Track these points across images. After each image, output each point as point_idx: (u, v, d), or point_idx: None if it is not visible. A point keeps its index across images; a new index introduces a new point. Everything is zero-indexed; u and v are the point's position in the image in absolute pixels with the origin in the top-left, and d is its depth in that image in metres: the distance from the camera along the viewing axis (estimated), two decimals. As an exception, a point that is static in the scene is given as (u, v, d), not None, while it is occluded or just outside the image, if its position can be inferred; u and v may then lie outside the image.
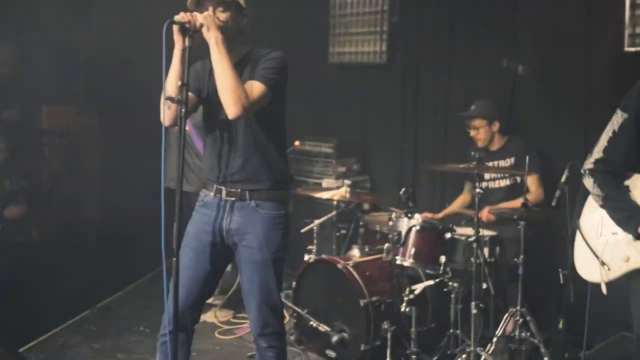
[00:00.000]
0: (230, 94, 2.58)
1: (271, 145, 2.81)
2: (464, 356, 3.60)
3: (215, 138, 2.83)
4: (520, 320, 3.75)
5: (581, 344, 3.83)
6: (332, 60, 5.74)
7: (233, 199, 2.78)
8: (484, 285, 3.79)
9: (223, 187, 2.79)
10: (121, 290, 4.98)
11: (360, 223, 4.39)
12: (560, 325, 3.68)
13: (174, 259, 2.50)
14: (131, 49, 4.87)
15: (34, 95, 5.64)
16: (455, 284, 3.76)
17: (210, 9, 2.66)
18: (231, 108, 2.59)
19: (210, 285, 2.91)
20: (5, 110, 5.32)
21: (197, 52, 2.64)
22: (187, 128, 4.29)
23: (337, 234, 4.57)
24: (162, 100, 2.59)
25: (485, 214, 4.15)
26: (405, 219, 3.87)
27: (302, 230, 4.46)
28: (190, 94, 2.66)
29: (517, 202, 3.98)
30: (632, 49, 3.98)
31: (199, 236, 2.83)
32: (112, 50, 5.15)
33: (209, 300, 4.54)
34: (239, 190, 2.78)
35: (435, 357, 3.80)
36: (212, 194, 2.83)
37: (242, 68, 2.72)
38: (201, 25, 2.56)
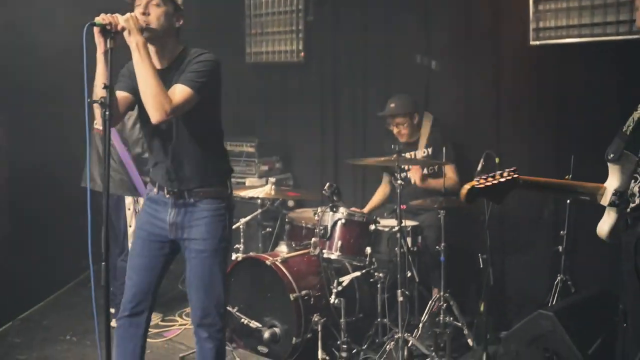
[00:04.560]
0: (152, 99, 2.60)
1: (206, 145, 2.89)
2: (392, 343, 3.72)
3: (152, 139, 2.91)
4: (444, 305, 3.92)
5: (501, 325, 4.09)
6: (249, 60, 5.76)
7: (173, 197, 2.89)
8: (409, 274, 3.93)
9: (164, 186, 2.91)
10: (43, 300, 4.83)
11: (286, 220, 4.43)
12: (482, 308, 3.86)
13: (103, 263, 2.47)
14: (47, 50, 4.70)
15: None
16: (381, 274, 3.88)
17: (142, 5, 2.66)
18: (153, 113, 2.62)
19: (160, 270, 3.00)
20: None
21: (127, 53, 2.63)
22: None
23: (263, 232, 4.60)
24: (86, 104, 2.55)
25: (416, 170, 4.33)
26: (331, 213, 3.96)
27: (228, 230, 4.46)
28: (125, 93, 2.73)
29: (441, 181, 4.20)
30: (537, 42, 4.23)
31: (145, 227, 2.98)
32: (26, 52, 4.96)
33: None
34: (177, 190, 2.89)
35: (365, 346, 3.91)
36: (155, 189, 2.96)
37: (174, 69, 2.76)
38: (123, 28, 2.54)
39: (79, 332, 4.28)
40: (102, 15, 2.51)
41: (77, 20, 2.62)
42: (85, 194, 2.54)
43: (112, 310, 4.41)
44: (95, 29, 2.50)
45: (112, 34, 2.51)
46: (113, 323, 4.38)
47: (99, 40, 2.54)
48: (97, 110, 2.57)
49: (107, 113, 2.48)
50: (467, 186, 2.36)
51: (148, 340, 4.09)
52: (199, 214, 2.88)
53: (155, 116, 2.62)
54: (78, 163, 4.20)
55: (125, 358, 3.00)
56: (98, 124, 2.65)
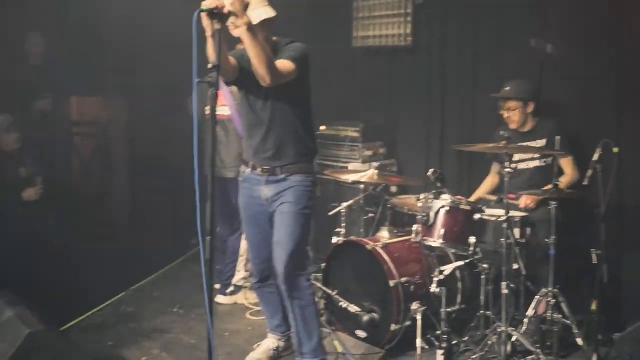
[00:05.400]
0: (264, 64, 2.90)
1: (298, 123, 3.26)
2: (495, 337, 3.60)
3: (249, 120, 3.28)
4: (553, 301, 3.73)
5: (615, 326, 3.84)
6: (356, 44, 5.72)
7: (266, 174, 3.28)
8: (515, 266, 3.77)
9: (257, 164, 3.28)
10: (155, 273, 5.09)
11: (388, 206, 4.38)
12: (593, 307, 3.64)
13: (208, 238, 2.53)
14: (160, 37, 4.92)
15: (64, 86, 5.73)
16: (486, 265, 3.76)
17: None
18: (264, 76, 2.93)
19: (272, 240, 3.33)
20: (37, 100, 5.41)
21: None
22: (229, 113, 4.41)
23: (365, 217, 4.57)
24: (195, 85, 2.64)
25: (524, 201, 4.12)
26: (435, 200, 3.87)
27: (330, 214, 4.49)
28: (232, 59, 3.08)
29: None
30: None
31: (247, 207, 3.41)
32: (142, 40, 5.21)
33: (240, 283, 4.62)
34: (270, 167, 3.25)
35: (466, 338, 3.81)
36: (249, 169, 3.36)
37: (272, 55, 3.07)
38: (229, 11, 2.66)
39: (186, 305, 4.48)
40: (209, 0, 2.61)
41: (187, 10, 2.72)
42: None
43: (217, 286, 4.60)
44: (203, 14, 2.61)
45: (219, 16, 2.61)
46: (218, 299, 4.57)
47: (207, 23, 2.67)
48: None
49: (214, 92, 2.54)
50: None
51: (250, 317, 4.29)
52: (289, 185, 3.25)
53: (266, 78, 2.93)
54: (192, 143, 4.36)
55: (269, 310, 3.64)
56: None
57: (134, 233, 5.70)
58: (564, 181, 4.01)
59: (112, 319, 4.24)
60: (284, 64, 3.05)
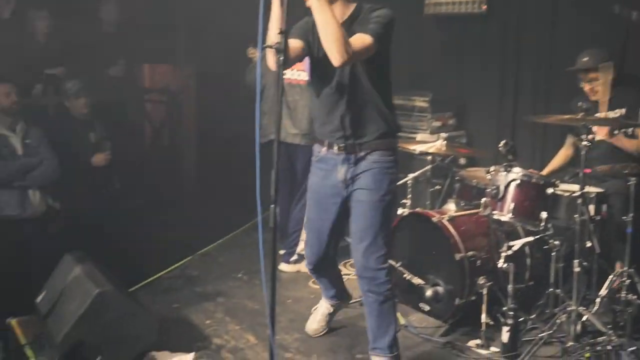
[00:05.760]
0: (334, 42, 2.61)
1: (378, 97, 2.92)
2: (564, 316, 3.47)
3: (324, 94, 2.95)
4: (627, 281, 3.56)
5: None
6: (428, 11, 5.55)
7: (344, 152, 2.96)
8: (588, 244, 3.61)
9: (334, 142, 2.97)
10: (221, 239, 5.15)
11: (456, 178, 4.27)
12: (672, 289, 3.46)
13: (272, 206, 2.52)
14: (227, 3, 4.91)
15: (136, 54, 5.84)
16: (557, 242, 3.62)
17: None
18: (335, 55, 2.63)
19: (337, 229, 3.17)
20: (110, 66, 5.54)
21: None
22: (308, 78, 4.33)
23: (432, 189, 4.48)
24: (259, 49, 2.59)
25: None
26: (505, 173, 3.73)
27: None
28: (297, 41, 2.81)
29: (634, 142, 3.80)
30: None
31: (318, 189, 3.12)
32: (209, 7, 5.23)
33: (303, 252, 4.62)
34: (349, 143, 2.94)
35: (533, 316, 3.70)
36: (324, 148, 3.03)
37: (350, 24, 2.80)
38: None
39: (250, 272, 4.53)
40: None
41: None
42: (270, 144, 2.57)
43: (281, 252, 4.63)
44: None
45: None
46: (281, 267, 4.61)
47: None
48: (270, 53, 2.61)
49: (281, 58, 2.50)
50: None
51: (312, 285, 4.29)
52: (369, 166, 2.94)
53: (337, 59, 2.63)
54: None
55: (324, 285, 3.52)
56: (271, 65, 2.67)
57: (200, 199, 5.81)
58: None
59: (178, 282, 4.34)
60: (362, 40, 2.71)
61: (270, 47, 2.52)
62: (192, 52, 6.14)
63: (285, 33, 2.51)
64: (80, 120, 4.72)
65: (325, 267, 3.35)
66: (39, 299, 3.31)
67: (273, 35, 2.58)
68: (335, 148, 2.98)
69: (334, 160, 3.01)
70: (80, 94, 4.65)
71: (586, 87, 4.11)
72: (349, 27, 2.79)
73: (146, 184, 5.51)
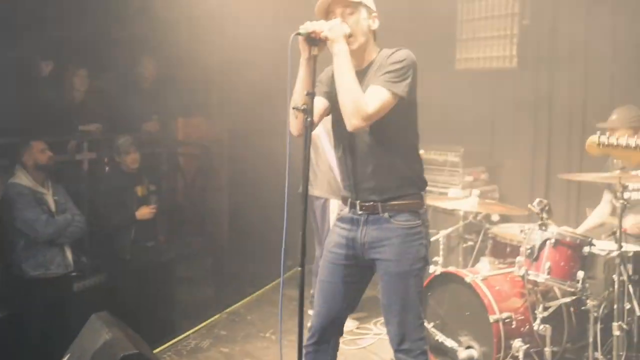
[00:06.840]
0: (350, 105, 2.50)
1: (401, 152, 2.70)
2: (605, 380, 3.33)
3: (344, 147, 2.76)
4: (671, 345, 3.41)
5: None
6: (459, 66, 5.57)
7: (367, 212, 2.72)
8: (628, 305, 3.48)
9: (356, 201, 2.73)
10: (248, 296, 5.11)
11: (489, 235, 4.19)
12: None
13: (299, 268, 2.48)
14: (258, 61, 4.99)
15: (170, 108, 5.95)
16: (595, 303, 3.49)
17: (339, 12, 2.61)
18: (351, 120, 2.51)
19: (350, 298, 2.84)
20: (145, 121, 5.65)
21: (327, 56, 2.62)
22: (317, 131, 4.31)
23: (464, 245, 4.41)
24: (290, 110, 2.59)
25: (630, 226, 3.81)
26: (539, 231, 3.64)
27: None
28: (321, 100, 2.67)
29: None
30: None
31: (334, 249, 2.81)
32: (240, 64, 5.32)
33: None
34: (371, 203, 2.70)
35: (573, 380, 3.55)
36: (347, 208, 2.79)
37: (366, 72, 2.65)
38: (326, 37, 2.51)
39: (278, 331, 4.45)
40: (307, 24, 2.51)
41: (281, 33, 2.68)
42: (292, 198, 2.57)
43: (311, 312, 4.55)
44: (300, 38, 2.51)
45: (316, 41, 2.51)
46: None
47: (303, 47, 2.53)
48: (293, 117, 2.59)
49: (309, 120, 2.49)
50: None
51: (342, 346, 4.17)
52: (393, 231, 2.68)
53: (352, 124, 2.51)
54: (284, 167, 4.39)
55: None
56: (292, 129, 2.64)
57: (230, 254, 5.80)
58: None
59: (204, 342, 4.29)
60: (375, 96, 2.51)
61: (299, 108, 2.52)
62: (224, 104, 6.23)
63: (312, 95, 2.50)
64: (129, 175, 4.78)
65: (329, 338, 2.88)
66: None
67: (298, 97, 2.55)
68: (357, 208, 2.73)
69: (356, 220, 2.75)
70: (130, 149, 4.73)
71: None
72: (366, 73, 2.64)
73: (177, 238, 5.53)
